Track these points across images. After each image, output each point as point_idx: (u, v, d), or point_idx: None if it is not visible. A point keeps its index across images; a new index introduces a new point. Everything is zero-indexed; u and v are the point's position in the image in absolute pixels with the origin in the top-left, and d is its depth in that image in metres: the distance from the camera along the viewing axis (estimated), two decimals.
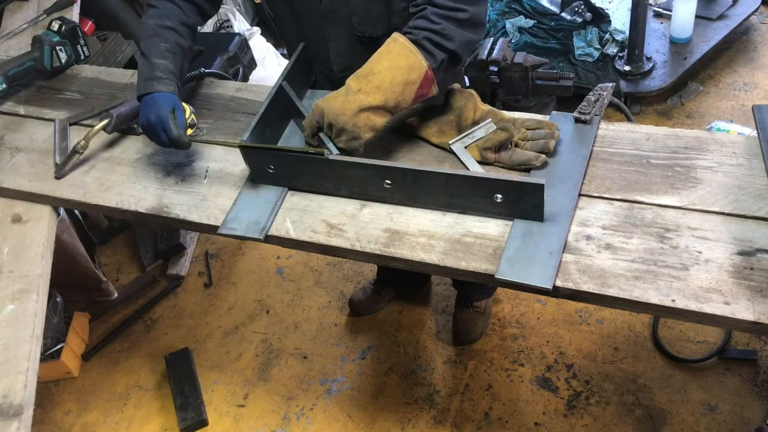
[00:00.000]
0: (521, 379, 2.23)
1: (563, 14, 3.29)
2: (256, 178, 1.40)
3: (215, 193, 1.43)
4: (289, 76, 1.48)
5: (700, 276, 1.08)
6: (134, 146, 1.61)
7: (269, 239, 1.33)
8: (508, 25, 3.28)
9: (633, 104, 3.08)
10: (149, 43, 1.43)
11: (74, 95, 1.82)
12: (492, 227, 1.22)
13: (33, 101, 1.83)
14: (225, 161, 1.50)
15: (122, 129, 1.61)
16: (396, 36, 1.28)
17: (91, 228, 2.86)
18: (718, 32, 3.13)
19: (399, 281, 2.49)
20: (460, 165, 1.34)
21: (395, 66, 1.25)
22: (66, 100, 1.81)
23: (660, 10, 3.33)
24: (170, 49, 1.43)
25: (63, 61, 1.87)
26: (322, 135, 1.33)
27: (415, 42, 1.26)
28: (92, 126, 1.55)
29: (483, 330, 2.36)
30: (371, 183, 1.28)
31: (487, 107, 1.40)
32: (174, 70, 1.42)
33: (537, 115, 1.40)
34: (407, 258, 1.22)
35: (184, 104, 1.43)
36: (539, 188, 1.14)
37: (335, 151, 1.30)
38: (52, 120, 1.72)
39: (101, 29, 3.01)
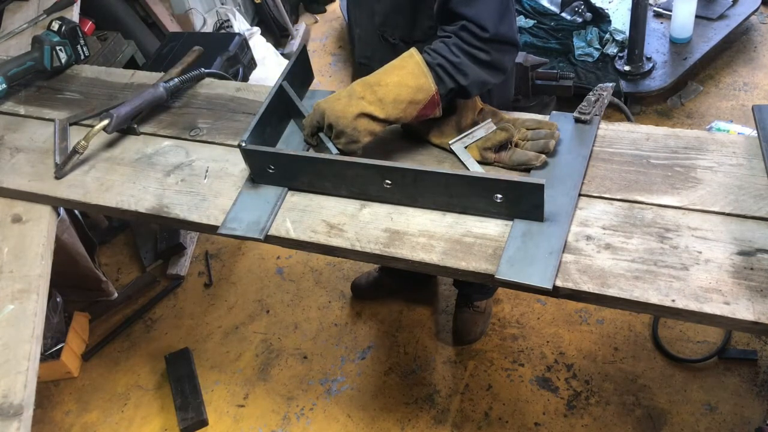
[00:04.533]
0: (521, 379, 2.23)
1: (563, 14, 3.29)
2: (256, 178, 1.40)
3: (215, 193, 1.43)
4: (289, 76, 1.48)
5: (700, 276, 1.08)
6: (134, 146, 1.61)
7: (269, 239, 1.33)
8: None
9: (633, 104, 3.08)
10: None
11: (74, 95, 1.82)
12: (492, 227, 1.22)
13: (33, 101, 1.83)
14: (225, 161, 1.50)
15: (122, 129, 1.61)
16: (413, 53, 1.27)
17: (91, 228, 2.85)
18: (718, 32, 3.13)
19: (404, 280, 2.50)
20: (460, 165, 1.34)
21: (404, 83, 1.25)
22: (66, 100, 1.81)
23: (660, 10, 3.33)
24: None
25: (63, 61, 1.87)
26: (321, 135, 1.33)
27: (429, 65, 1.26)
28: (92, 126, 1.55)
29: (483, 330, 2.36)
30: (371, 183, 1.28)
31: (487, 107, 1.40)
32: None
33: (537, 115, 1.40)
34: (407, 258, 1.22)
35: None
36: (539, 188, 1.14)
37: (334, 150, 1.30)
38: (52, 120, 1.72)
39: (101, 29, 3.02)
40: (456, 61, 1.26)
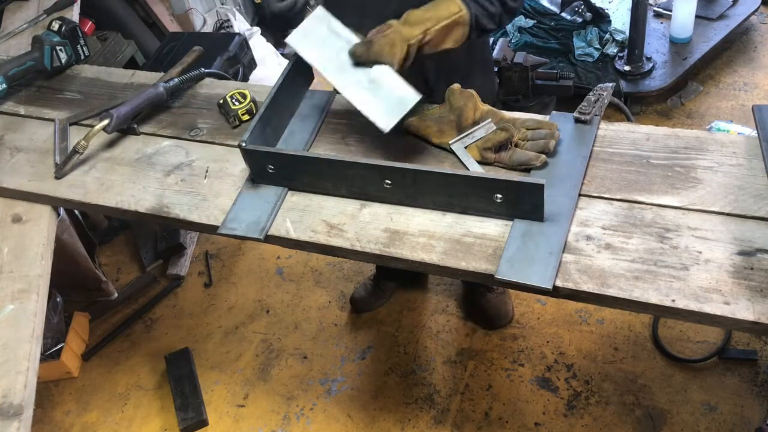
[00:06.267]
0: (521, 379, 2.23)
1: (563, 14, 3.29)
2: (256, 178, 1.40)
3: (215, 193, 1.43)
4: (289, 75, 1.48)
5: (700, 276, 1.08)
6: (134, 146, 1.61)
7: (269, 239, 1.33)
8: (508, 25, 3.28)
9: (633, 104, 3.08)
10: None
11: (74, 95, 1.82)
12: (492, 227, 1.22)
13: (33, 101, 1.83)
14: (225, 161, 1.50)
15: (122, 129, 1.61)
16: None
17: (91, 228, 2.86)
18: (718, 32, 3.13)
19: (398, 275, 2.50)
20: (460, 165, 1.34)
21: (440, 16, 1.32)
22: (66, 100, 1.81)
23: (660, 10, 3.33)
24: None
25: (63, 61, 1.87)
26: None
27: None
28: (92, 126, 1.55)
29: (513, 307, 2.42)
30: (371, 183, 1.28)
31: (487, 107, 1.40)
32: None
33: (537, 115, 1.40)
34: (407, 258, 1.22)
35: None
36: (539, 188, 1.14)
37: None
38: (52, 120, 1.72)
39: (101, 29, 3.02)
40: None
